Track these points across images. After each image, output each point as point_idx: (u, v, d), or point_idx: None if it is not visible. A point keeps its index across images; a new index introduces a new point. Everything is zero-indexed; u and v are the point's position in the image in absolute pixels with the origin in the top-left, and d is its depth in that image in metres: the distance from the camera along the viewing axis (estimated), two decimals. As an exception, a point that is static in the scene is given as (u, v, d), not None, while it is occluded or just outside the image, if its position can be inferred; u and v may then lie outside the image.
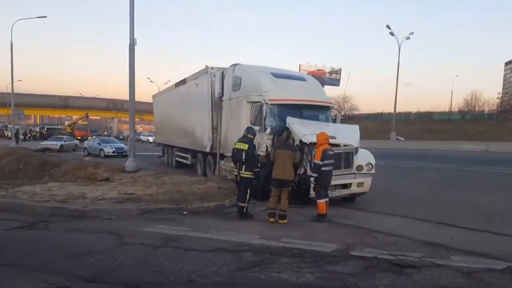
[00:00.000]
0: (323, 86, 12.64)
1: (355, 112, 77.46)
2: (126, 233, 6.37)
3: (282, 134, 8.47)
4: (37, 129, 64.97)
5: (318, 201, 7.76)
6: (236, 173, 7.94)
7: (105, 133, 71.46)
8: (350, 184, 9.25)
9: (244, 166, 7.76)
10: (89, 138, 35.69)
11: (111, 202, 8.52)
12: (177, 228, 6.72)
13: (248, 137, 8.08)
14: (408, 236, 6.58)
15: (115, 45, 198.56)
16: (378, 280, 4.57)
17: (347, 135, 9.46)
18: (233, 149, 8.11)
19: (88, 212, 7.74)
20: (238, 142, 8.09)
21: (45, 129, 60.72)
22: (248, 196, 7.78)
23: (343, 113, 57.23)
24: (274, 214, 7.49)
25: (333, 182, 8.29)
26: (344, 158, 9.01)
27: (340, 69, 58.02)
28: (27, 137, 52.32)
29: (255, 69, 11.35)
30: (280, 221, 7.41)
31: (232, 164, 9.04)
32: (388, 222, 7.74)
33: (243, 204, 7.78)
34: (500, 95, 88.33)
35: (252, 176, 7.82)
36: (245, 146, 7.80)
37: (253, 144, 8.06)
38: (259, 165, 8.51)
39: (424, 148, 37.12)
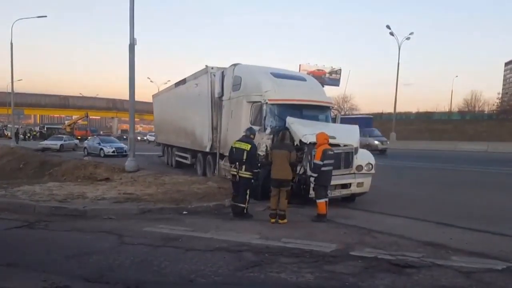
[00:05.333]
0: (323, 86, 12.63)
1: (355, 112, 77.46)
2: (126, 232, 6.37)
3: (279, 134, 8.45)
4: (37, 128, 64.96)
5: (318, 201, 7.75)
6: (235, 173, 7.81)
7: (102, 132, 71.16)
8: (350, 184, 9.25)
9: (244, 166, 7.67)
10: (89, 137, 35.66)
11: (111, 201, 8.53)
12: (176, 228, 6.72)
13: (249, 137, 8.05)
14: (408, 236, 6.58)
15: (115, 45, 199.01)
16: (378, 280, 4.57)
17: (347, 135, 9.46)
18: (232, 148, 8.01)
19: (88, 212, 7.75)
20: (238, 141, 8.03)
21: (45, 129, 60.70)
22: (247, 197, 7.76)
23: (343, 113, 57.26)
24: (276, 215, 7.47)
25: (333, 182, 8.29)
26: (344, 158, 9.01)
27: (340, 69, 57.90)
28: (26, 137, 52.31)
29: (255, 69, 11.34)
30: (279, 221, 7.41)
31: None
32: (388, 222, 7.73)
33: (243, 205, 7.75)
34: (500, 95, 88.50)
35: (251, 177, 7.75)
36: (247, 146, 7.73)
37: (255, 144, 8.01)
38: (259, 165, 8.51)
39: (423, 148, 37.12)
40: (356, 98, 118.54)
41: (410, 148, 37.29)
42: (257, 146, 9.30)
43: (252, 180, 7.84)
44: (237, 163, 7.75)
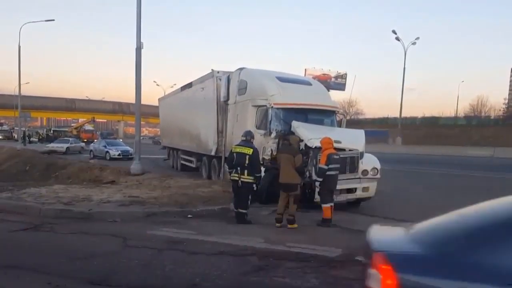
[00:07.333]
0: (328, 91, 12.63)
1: (361, 117, 77.22)
2: (130, 235, 6.37)
3: (286, 138, 8.41)
4: (44, 131, 65.41)
5: (323, 205, 7.72)
6: (236, 178, 7.59)
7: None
8: (355, 188, 9.21)
9: (246, 171, 7.52)
10: (95, 140, 35.84)
11: (116, 204, 8.53)
12: (181, 231, 6.71)
13: (249, 141, 7.88)
14: (413, 241, 6.51)
15: (121, 48, 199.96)
16: (384, 286, 4.52)
17: (352, 139, 9.43)
18: (233, 153, 7.83)
19: (93, 215, 7.77)
20: (238, 146, 7.88)
21: (52, 132, 61.11)
22: (249, 202, 7.64)
23: (348, 117, 57.11)
24: (281, 220, 7.43)
25: (338, 187, 8.25)
26: (350, 163, 8.98)
27: (346, 74, 57.76)
28: (31, 140, 52.60)
29: (261, 73, 11.36)
30: (289, 225, 7.36)
31: None
32: (393, 227, 7.67)
33: (244, 211, 7.64)
34: (506, 101, 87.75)
35: (254, 181, 7.60)
36: (249, 150, 7.58)
37: (256, 148, 7.90)
38: (264, 169, 8.47)
39: (430, 153, 36.90)
40: (362, 102, 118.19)
41: (416, 152, 37.13)
42: (263, 150, 9.32)
43: (254, 185, 7.66)
44: (239, 168, 7.59)
